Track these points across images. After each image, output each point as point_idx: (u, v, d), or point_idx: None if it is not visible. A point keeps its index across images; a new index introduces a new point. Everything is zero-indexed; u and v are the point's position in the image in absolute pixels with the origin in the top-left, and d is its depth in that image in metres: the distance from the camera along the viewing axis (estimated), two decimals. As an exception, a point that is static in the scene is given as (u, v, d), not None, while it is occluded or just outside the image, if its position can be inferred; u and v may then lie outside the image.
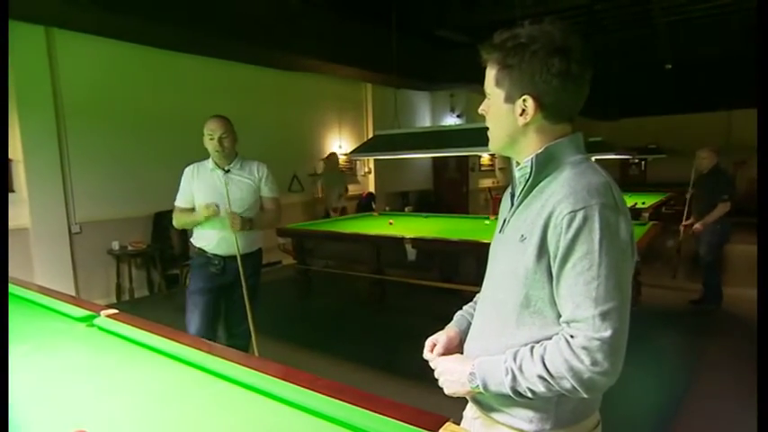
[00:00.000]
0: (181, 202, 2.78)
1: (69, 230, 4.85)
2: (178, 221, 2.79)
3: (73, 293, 4.45)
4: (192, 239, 2.82)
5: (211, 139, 2.62)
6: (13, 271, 2.82)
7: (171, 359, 1.46)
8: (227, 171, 2.70)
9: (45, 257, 4.67)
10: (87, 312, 1.89)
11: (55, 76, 4.71)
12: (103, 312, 1.86)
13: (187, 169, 2.78)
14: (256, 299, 2.82)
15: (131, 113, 5.36)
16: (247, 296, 2.71)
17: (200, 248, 2.75)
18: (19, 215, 4.53)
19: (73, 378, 1.37)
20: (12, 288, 2.31)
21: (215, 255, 2.71)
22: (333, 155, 7.43)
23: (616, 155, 5.78)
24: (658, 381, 3.09)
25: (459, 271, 4.07)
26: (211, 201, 2.63)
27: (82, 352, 1.59)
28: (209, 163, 2.73)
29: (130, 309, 1.98)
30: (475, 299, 1.26)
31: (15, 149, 4.46)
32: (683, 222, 4.81)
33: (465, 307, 1.26)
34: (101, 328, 1.77)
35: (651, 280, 4.92)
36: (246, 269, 2.70)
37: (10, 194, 4.45)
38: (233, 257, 2.68)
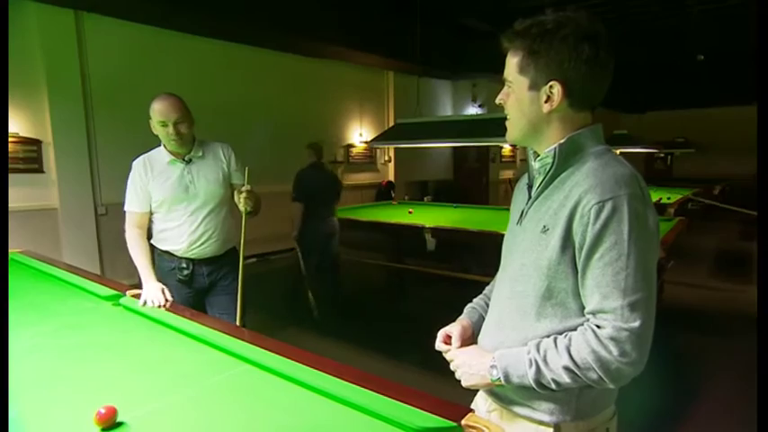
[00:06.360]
0: (135, 206, 2.20)
1: (96, 211, 4.97)
2: (130, 247, 2.18)
3: (98, 273, 4.57)
4: (152, 241, 2.29)
5: (164, 126, 2.08)
6: (42, 249, 2.93)
7: (194, 340, 1.50)
8: (189, 161, 2.19)
9: (73, 237, 4.81)
10: (113, 292, 1.95)
11: (83, 60, 4.80)
12: (129, 292, 1.92)
13: (136, 164, 2.20)
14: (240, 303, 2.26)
15: (156, 98, 5.44)
16: (240, 302, 2.16)
17: (163, 251, 2.27)
18: (49, 195, 4.67)
19: (100, 355, 1.42)
20: (41, 266, 2.39)
21: (184, 258, 2.24)
22: None
23: (642, 148, 5.63)
24: (668, 380, 3.04)
25: (479, 262, 4.05)
26: (176, 199, 2.17)
27: (109, 330, 1.64)
28: (164, 154, 2.19)
29: (154, 289, 2.01)
30: (485, 291, 1.24)
31: (45, 132, 4.58)
32: None
33: (475, 299, 1.24)
34: (126, 308, 1.83)
35: (676, 277, 4.82)
36: (221, 271, 2.31)
37: (40, 175, 4.59)
38: (203, 261, 2.26)
